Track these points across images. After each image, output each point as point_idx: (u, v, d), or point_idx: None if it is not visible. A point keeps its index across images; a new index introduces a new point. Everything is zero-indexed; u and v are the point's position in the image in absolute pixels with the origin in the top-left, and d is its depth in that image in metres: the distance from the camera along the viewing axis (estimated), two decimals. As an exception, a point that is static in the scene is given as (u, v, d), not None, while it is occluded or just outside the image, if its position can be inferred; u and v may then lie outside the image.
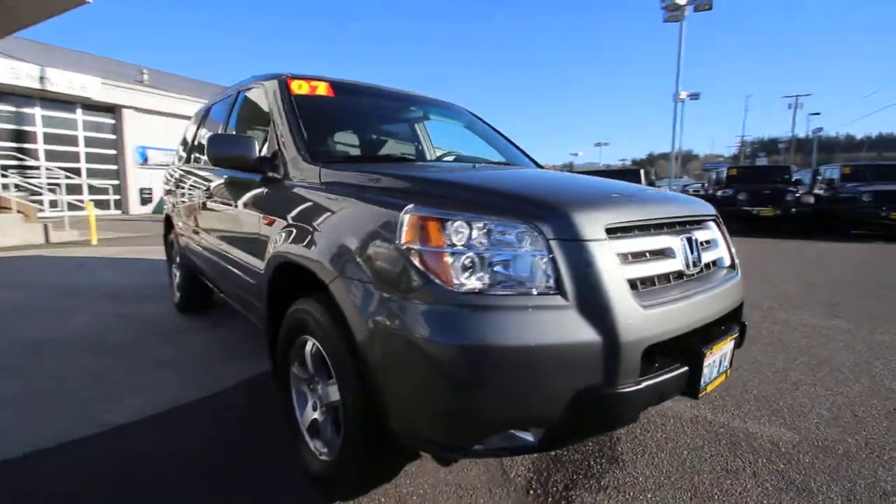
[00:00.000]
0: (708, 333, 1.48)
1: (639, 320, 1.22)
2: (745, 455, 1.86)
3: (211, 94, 4.48)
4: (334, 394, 1.50)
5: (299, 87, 2.30)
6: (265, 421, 2.10)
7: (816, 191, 12.32)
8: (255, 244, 1.99)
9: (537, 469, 1.78)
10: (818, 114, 58.59)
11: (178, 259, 3.74)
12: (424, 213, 1.24)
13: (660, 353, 1.31)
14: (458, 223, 1.22)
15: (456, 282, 1.17)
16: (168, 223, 3.94)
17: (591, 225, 1.26)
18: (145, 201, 17.61)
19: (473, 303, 1.16)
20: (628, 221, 1.35)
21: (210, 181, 2.65)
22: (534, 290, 1.19)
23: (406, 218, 1.24)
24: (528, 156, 2.84)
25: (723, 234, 1.81)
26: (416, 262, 1.20)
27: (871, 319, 3.67)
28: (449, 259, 1.19)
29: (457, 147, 2.91)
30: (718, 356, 1.47)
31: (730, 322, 1.63)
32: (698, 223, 1.67)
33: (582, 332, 1.17)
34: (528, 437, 1.24)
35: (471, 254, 1.20)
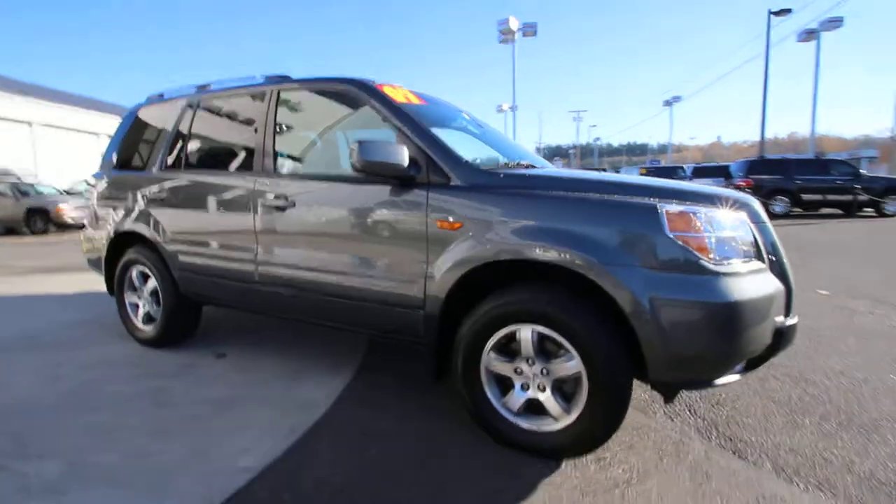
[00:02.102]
0: None
1: (791, 274, 1.86)
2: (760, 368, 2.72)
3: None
4: (572, 367, 1.76)
5: (394, 94, 2.36)
6: (422, 422, 2.14)
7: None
8: (417, 250, 2.02)
9: (660, 405, 2.31)
10: (595, 125, 73.42)
11: (148, 285, 3.12)
12: (682, 208, 1.65)
13: None
14: (703, 214, 1.66)
15: (712, 256, 1.62)
16: (121, 242, 3.22)
17: (764, 211, 1.84)
18: None
19: (726, 271, 1.62)
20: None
21: (297, 189, 2.40)
22: (750, 258, 1.71)
23: (667, 212, 1.63)
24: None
25: None
26: (685, 245, 1.60)
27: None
28: (706, 241, 1.62)
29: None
30: None
31: None
32: None
33: (777, 284, 1.74)
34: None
35: (716, 235, 1.65)
